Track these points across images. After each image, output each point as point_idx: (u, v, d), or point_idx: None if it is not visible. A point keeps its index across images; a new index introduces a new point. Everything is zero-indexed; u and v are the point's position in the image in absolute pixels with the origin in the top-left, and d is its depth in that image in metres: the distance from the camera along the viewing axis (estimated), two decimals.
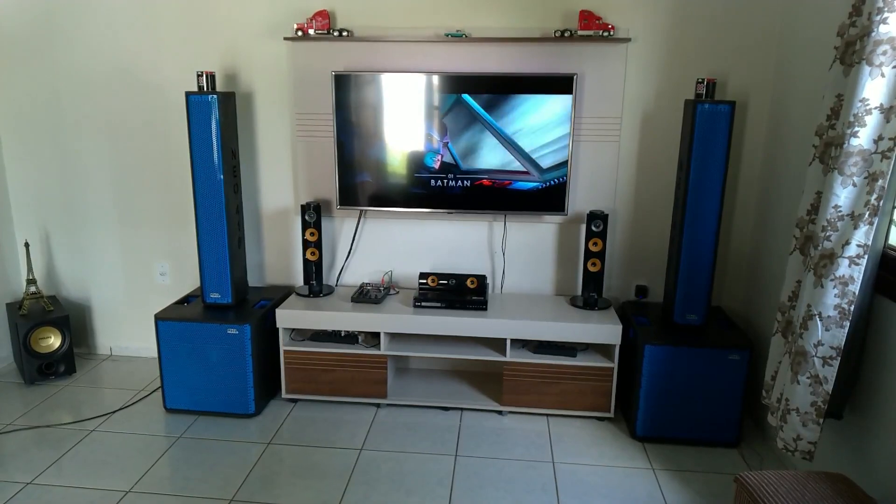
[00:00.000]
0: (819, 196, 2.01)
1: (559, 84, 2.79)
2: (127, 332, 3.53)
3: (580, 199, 3.01)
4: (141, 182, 3.28)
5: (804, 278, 1.99)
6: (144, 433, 2.78)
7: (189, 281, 3.37)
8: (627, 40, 2.81)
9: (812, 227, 2.04)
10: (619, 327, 2.76)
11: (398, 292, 3.15)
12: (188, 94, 2.70)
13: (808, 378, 1.93)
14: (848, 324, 1.85)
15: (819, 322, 1.88)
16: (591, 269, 2.91)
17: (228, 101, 2.80)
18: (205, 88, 2.75)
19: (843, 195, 1.82)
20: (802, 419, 1.96)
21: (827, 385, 1.89)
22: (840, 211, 1.83)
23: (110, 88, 3.16)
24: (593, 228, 2.86)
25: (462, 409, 2.99)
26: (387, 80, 2.86)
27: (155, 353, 2.99)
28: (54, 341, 3.21)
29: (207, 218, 2.81)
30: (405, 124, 2.90)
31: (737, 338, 2.67)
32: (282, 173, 3.16)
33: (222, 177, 2.76)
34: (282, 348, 2.94)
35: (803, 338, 1.93)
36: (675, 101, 2.87)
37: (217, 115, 2.70)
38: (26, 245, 3.29)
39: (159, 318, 2.82)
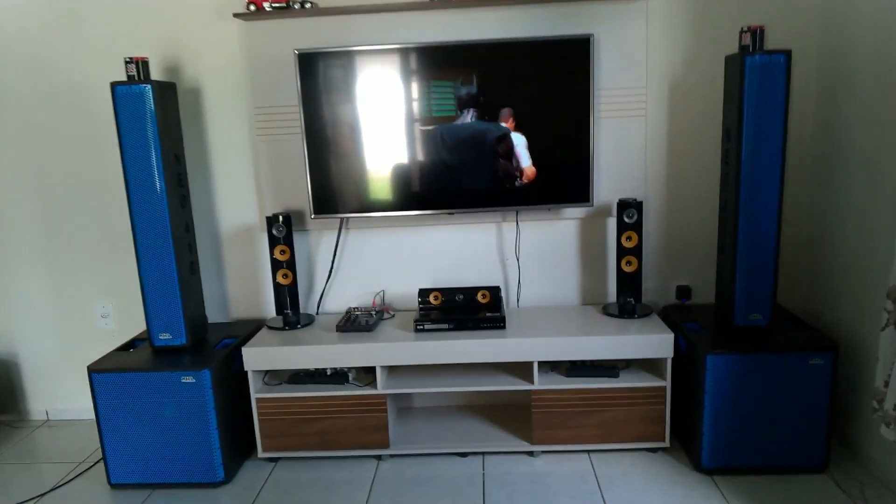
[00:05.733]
0: None
1: (572, 49, 2.32)
2: (65, 392, 2.91)
3: (604, 188, 2.53)
4: (72, 206, 2.69)
5: None
6: None
7: (138, 324, 2.78)
8: None
9: None
10: (671, 336, 2.25)
11: (394, 315, 2.60)
12: (114, 86, 2.15)
13: None
14: None
15: None
16: (626, 268, 2.41)
17: (167, 94, 2.26)
18: (136, 78, 2.21)
19: None
20: None
21: None
22: None
23: (26, 93, 2.60)
24: (626, 219, 2.37)
25: (483, 453, 2.43)
26: (362, 57, 2.36)
27: None
28: None
29: (148, 238, 2.24)
30: (387, 110, 2.39)
31: (815, 338, 2.19)
32: (241, 182, 2.62)
33: (164, 186, 2.21)
34: (253, 396, 2.36)
35: None
36: (707, 63, 2.43)
37: (153, 110, 2.16)
38: None
39: (93, 371, 2.23)
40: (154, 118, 2.17)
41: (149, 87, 2.16)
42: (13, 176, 2.68)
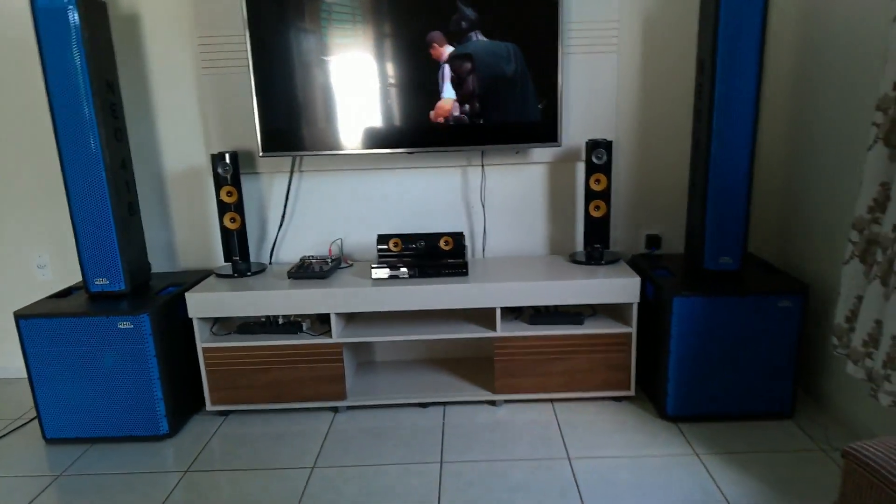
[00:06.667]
0: None
1: None
2: (0, 347, 2.72)
3: (573, 129, 2.42)
4: (3, 151, 2.48)
5: None
6: (11, 475, 2.02)
7: (79, 274, 2.60)
8: None
9: None
10: (637, 280, 2.17)
11: (352, 265, 2.47)
12: (34, 1, 1.95)
13: None
14: None
15: None
16: (595, 213, 2.31)
17: (97, 13, 2.06)
18: None
19: None
20: None
21: None
22: None
23: None
24: (595, 160, 2.26)
25: (445, 403, 2.34)
26: None
27: None
28: None
29: (78, 173, 2.06)
30: (343, 37, 2.23)
31: (785, 281, 2.12)
32: (187, 120, 2.43)
33: (94, 114, 2.02)
34: (199, 345, 2.22)
35: None
36: None
37: (79, 28, 1.96)
38: None
39: (20, 316, 2.06)
40: (80, 38, 1.97)
41: (72, 2, 1.95)
42: None
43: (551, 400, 2.32)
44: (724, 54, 2.00)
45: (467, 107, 2.26)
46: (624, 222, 2.52)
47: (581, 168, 2.46)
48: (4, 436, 2.27)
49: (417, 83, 2.25)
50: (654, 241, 2.52)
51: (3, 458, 2.12)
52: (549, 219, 2.52)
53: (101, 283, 2.17)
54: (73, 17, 1.95)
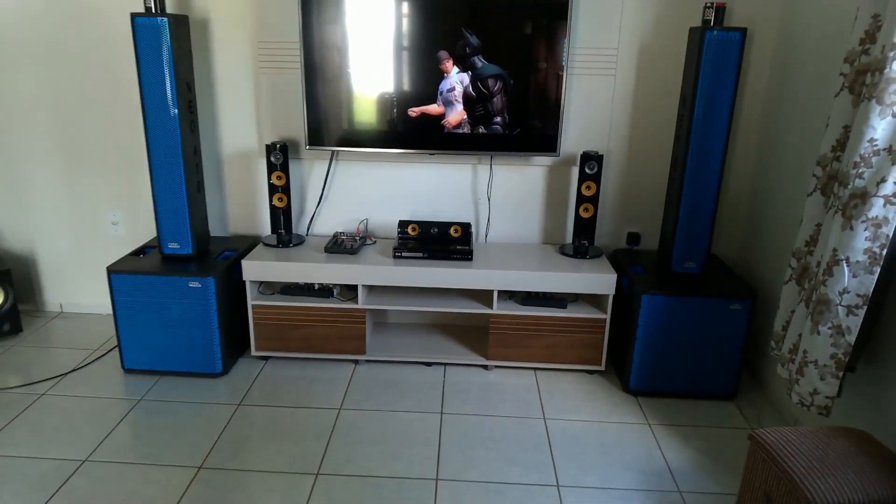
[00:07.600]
0: (847, 130, 1.82)
1: (551, 8, 2.51)
2: (78, 288, 3.24)
3: (571, 139, 2.79)
4: (86, 121, 2.93)
5: (829, 221, 1.83)
6: (101, 396, 2.55)
7: (145, 231, 3.08)
8: None
9: (837, 164, 1.87)
10: (614, 276, 2.59)
11: (375, 242, 2.91)
12: (134, 17, 2.35)
13: (829, 328, 1.79)
14: (878, 269, 1.70)
15: (846, 268, 1.73)
16: (583, 214, 2.71)
17: (181, 26, 2.46)
18: (153, 10, 2.40)
19: (880, 127, 1.64)
20: (821, 372, 1.83)
21: (850, 336, 1.76)
22: (876, 145, 1.65)
23: (46, 14, 2.77)
24: (587, 170, 2.65)
25: (445, 364, 2.82)
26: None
27: (111, 310, 2.73)
28: None
29: (162, 159, 2.50)
30: (382, 54, 2.60)
31: (738, 287, 2.53)
32: (243, 111, 2.85)
33: (177, 112, 2.45)
34: (249, 303, 2.70)
35: (827, 285, 1.78)
36: (676, 30, 2.63)
37: (169, 41, 2.37)
38: None
39: (112, 271, 2.55)
40: (170, 48, 2.38)
41: (165, 19, 2.35)
42: (35, 92, 2.89)
43: (534, 369, 2.79)
44: (702, 93, 2.35)
45: (475, 118, 2.65)
46: (609, 219, 2.92)
47: (575, 171, 2.84)
48: (90, 363, 2.80)
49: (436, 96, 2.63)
50: (634, 237, 2.92)
51: (91, 382, 2.65)
52: (544, 212, 2.92)
53: (173, 247, 2.64)
54: (165, 31, 2.35)
